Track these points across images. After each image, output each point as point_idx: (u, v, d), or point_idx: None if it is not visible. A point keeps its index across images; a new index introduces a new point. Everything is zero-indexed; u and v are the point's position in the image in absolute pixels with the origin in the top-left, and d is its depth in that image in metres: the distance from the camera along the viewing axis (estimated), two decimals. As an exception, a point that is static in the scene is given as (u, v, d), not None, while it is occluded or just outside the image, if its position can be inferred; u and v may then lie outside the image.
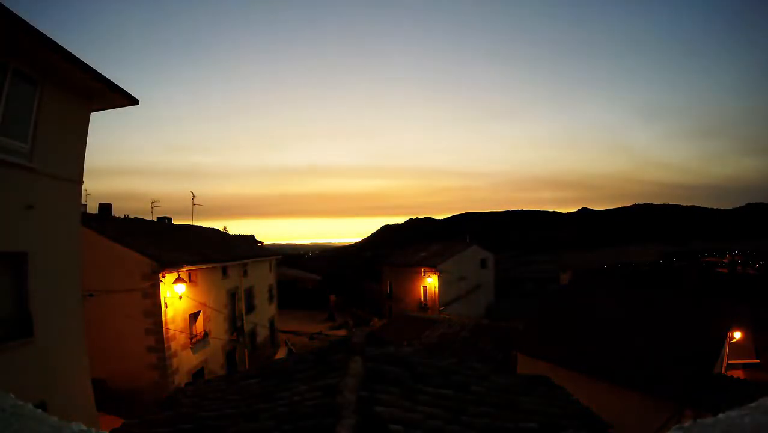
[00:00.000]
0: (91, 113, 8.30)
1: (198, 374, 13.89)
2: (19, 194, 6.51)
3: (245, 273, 19.31)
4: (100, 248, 12.14)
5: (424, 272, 29.72)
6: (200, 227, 22.68)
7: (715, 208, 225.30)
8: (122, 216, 16.51)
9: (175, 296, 12.60)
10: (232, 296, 17.78)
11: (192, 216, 30.99)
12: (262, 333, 21.69)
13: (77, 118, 7.86)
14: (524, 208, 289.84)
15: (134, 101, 8.53)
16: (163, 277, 12.25)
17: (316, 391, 3.33)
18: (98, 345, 10.61)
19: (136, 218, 17.28)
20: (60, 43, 6.35)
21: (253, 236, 29.46)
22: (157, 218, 20.93)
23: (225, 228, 27.13)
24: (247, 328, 18.67)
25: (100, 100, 8.21)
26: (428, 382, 3.83)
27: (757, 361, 17.85)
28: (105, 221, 13.09)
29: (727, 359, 14.35)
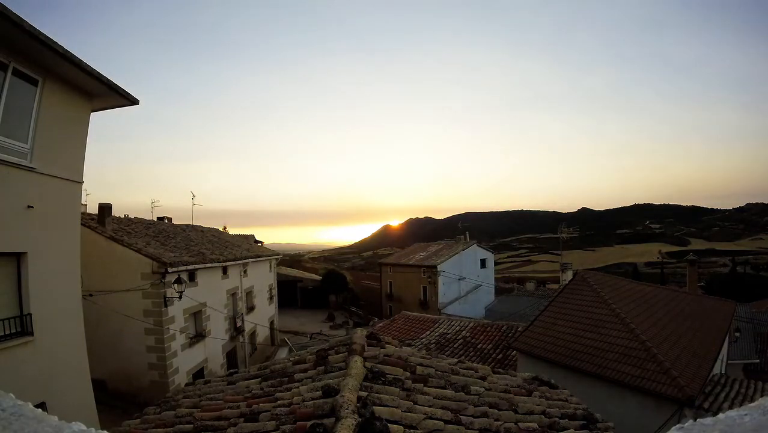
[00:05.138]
0: (92, 113, 8.32)
1: (198, 374, 13.88)
2: (19, 194, 6.52)
3: (245, 273, 19.30)
4: (100, 248, 12.16)
5: (424, 272, 29.74)
6: (200, 226, 22.68)
7: (715, 208, 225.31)
8: (122, 216, 16.51)
9: (175, 295, 12.60)
10: (232, 295, 17.79)
11: (192, 216, 31.02)
12: (262, 333, 21.70)
13: (77, 118, 7.87)
14: (524, 208, 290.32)
15: (134, 101, 8.54)
16: (163, 277, 12.26)
17: (316, 391, 3.33)
18: (98, 345, 10.62)
19: (136, 218, 17.29)
20: (59, 42, 6.36)
21: (253, 235, 29.40)
22: (157, 217, 20.96)
23: (225, 228, 27.14)
24: (247, 328, 18.67)
25: (101, 100, 8.22)
26: (428, 382, 3.84)
27: (757, 361, 17.91)
28: (105, 220, 13.07)
29: (727, 359, 14.38)
